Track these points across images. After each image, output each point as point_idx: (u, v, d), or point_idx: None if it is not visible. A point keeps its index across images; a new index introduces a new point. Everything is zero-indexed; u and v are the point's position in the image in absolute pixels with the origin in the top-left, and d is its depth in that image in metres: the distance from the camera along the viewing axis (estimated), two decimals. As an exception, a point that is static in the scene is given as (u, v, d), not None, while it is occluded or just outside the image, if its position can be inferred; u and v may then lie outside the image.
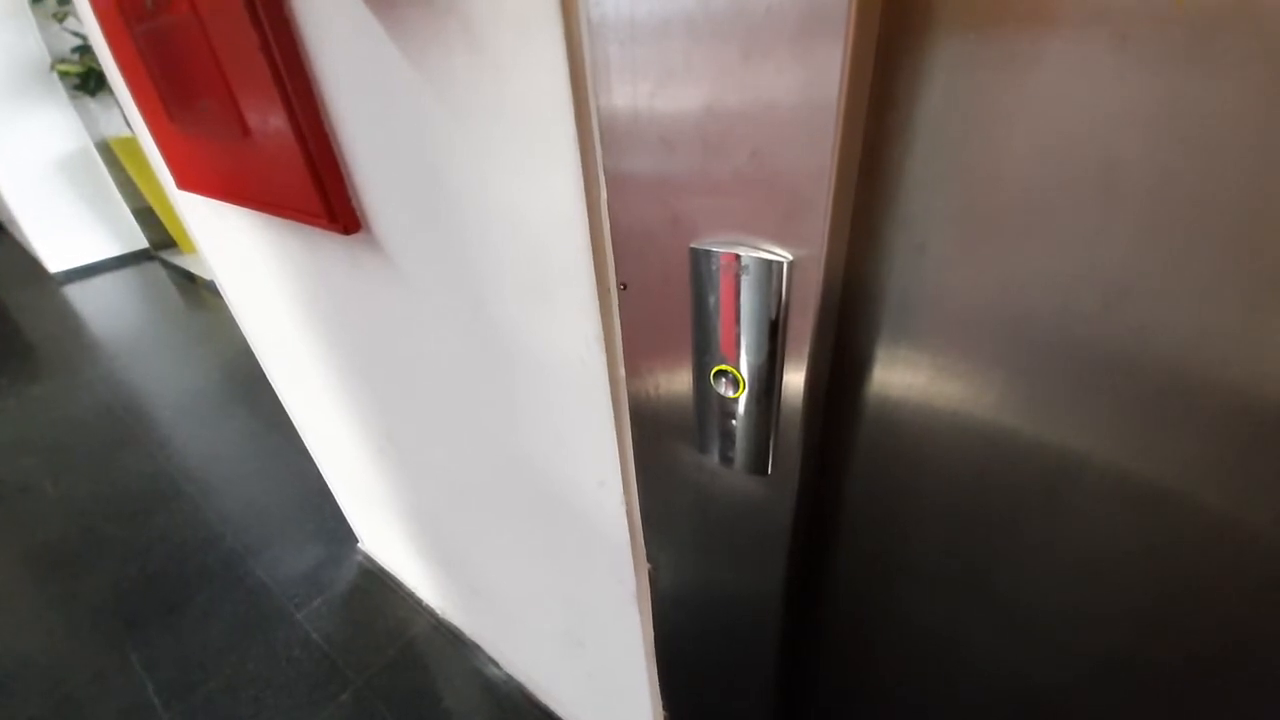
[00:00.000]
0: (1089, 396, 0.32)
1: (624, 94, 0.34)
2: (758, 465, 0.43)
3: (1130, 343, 0.30)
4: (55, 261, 4.15)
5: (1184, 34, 0.23)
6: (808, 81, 0.28)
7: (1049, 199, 0.28)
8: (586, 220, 0.42)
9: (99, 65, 3.56)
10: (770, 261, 0.34)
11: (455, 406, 0.75)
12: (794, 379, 0.38)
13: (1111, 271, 0.28)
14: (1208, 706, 0.37)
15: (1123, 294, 0.29)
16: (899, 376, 0.38)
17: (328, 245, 0.73)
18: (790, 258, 0.33)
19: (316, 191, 0.59)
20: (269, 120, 0.59)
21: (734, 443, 0.43)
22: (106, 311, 3.63)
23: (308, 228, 0.73)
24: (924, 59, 0.29)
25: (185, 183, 0.86)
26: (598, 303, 0.46)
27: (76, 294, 3.94)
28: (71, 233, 4.15)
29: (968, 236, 0.32)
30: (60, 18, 3.50)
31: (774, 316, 0.36)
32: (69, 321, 3.53)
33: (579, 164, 0.40)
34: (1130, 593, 0.37)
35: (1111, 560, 0.36)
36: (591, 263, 0.44)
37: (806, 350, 0.36)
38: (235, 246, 0.97)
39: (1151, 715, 0.40)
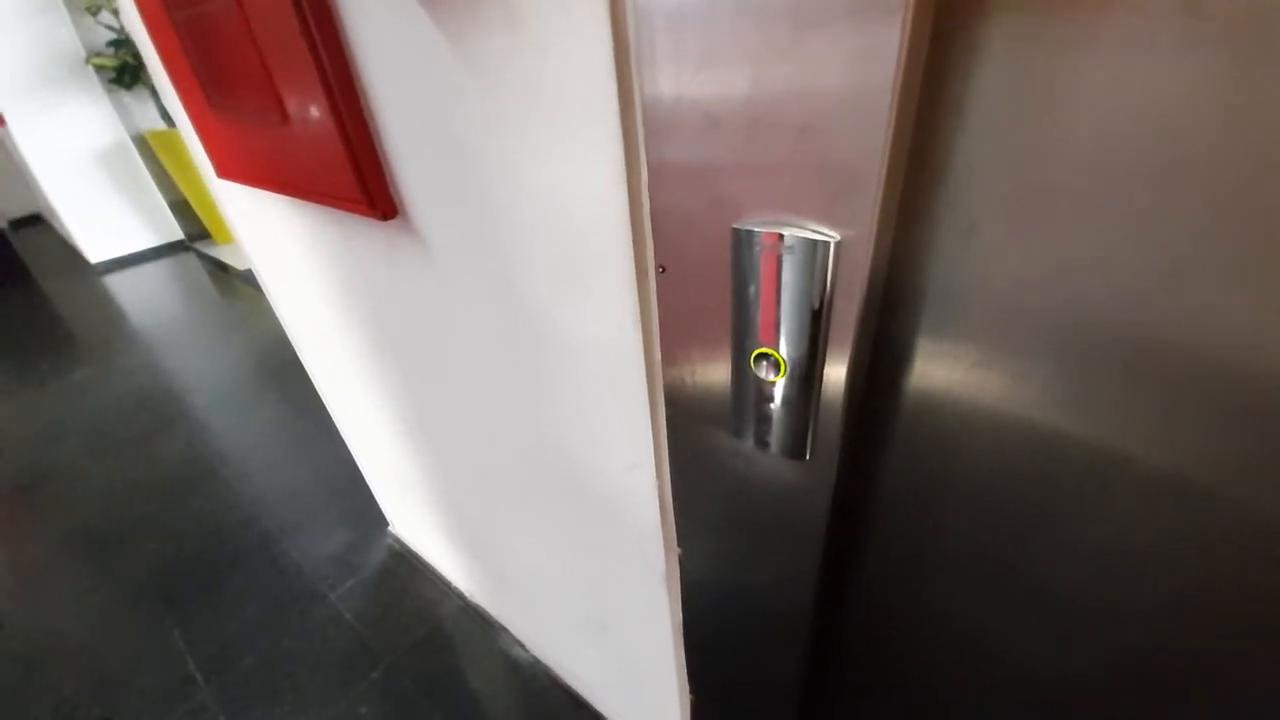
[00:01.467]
0: (1141, 388, 0.31)
1: (669, 71, 0.34)
2: (796, 450, 0.43)
3: (1187, 332, 0.29)
4: (95, 252, 4.29)
5: (1257, 7, 0.22)
6: (863, 57, 0.27)
7: (1108, 181, 0.28)
8: (626, 202, 0.42)
9: (134, 58, 3.65)
10: (816, 241, 0.33)
11: (487, 390, 0.76)
12: (836, 361, 0.38)
13: (1171, 257, 0.28)
14: (1249, 705, 0.36)
15: (1181, 279, 0.28)
16: (943, 359, 0.38)
17: (364, 231, 0.74)
18: (837, 238, 0.33)
19: (355, 178, 0.60)
20: (308, 106, 0.59)
21: (771, 427, 0.43)
22: (144, 300, 3.74)
23: (345, 214, 0.74)
24: (981, 34, 0.28)
25: (225, 171, 0.87)
26: (635, 286, 0.46)
27: (115, 283, 4.06)
28: (110, 224, 4.27)
29: (1021, 219, 0.31)
30: (93, 10, 3.58)
31: (818, 297, 0.35)
32: (108, 310, 3.65)
33: (621, 145, 0.40)
34: (1175, 593, 0.36)
35: (1157, 559, 0.35)
36: (630, 245, 0.44)
37: (851, 332, 0.36)
38: (273, 235, 0.99)
39: (1188, 714, 0.39)
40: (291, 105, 0.62)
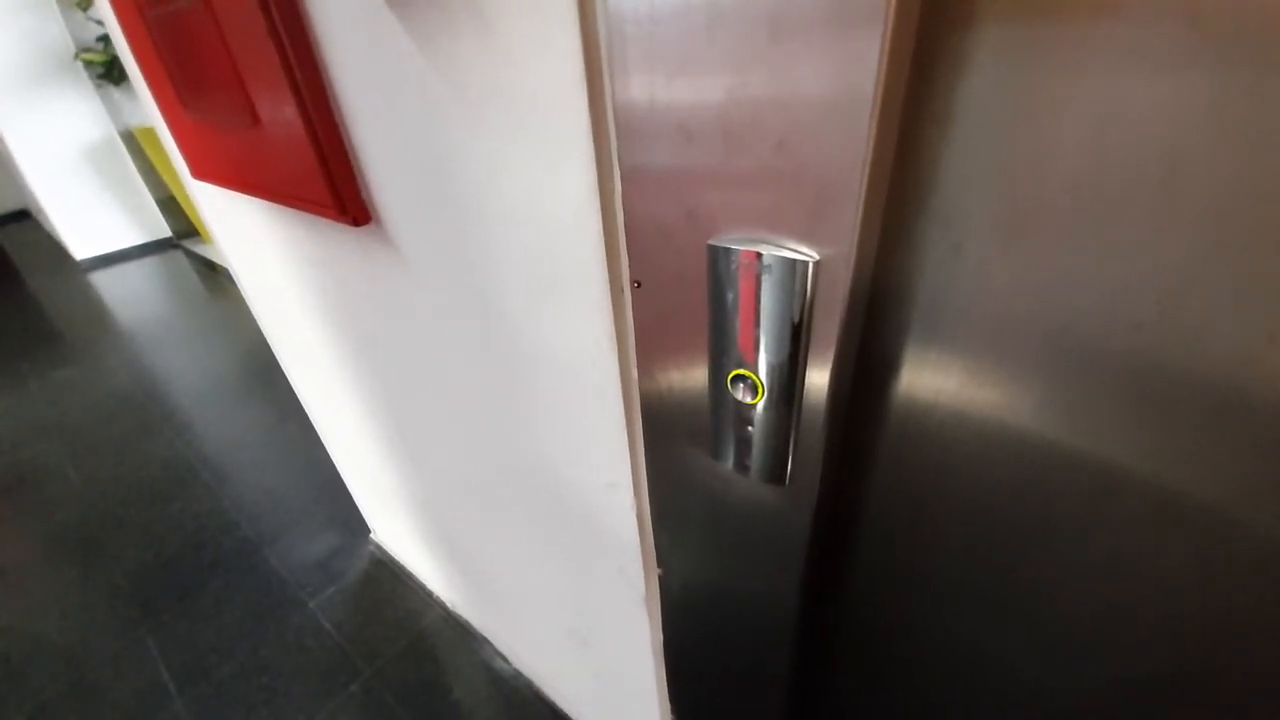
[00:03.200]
0: (1134, 408, 0.30)
1: (641, 80, 0.32)
2: (775, 475, 0.41)
3: (1184, 352, 0.27)
4: (81, 249, 4.23)
5: (1260, 19, 0.21)
6: (843, 67, 0.25)
7: (1101, 197, 0.26)
8: (600, 214, 0.40)
9: (123, 54, 3.60)
10: (794, 261, 0.32)
11: (463, 401, 0.74)
12: (816, 385, 0.36)
13: (1167, 276, 0.26)
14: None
15: (1178, 301, 0.26)
16: (927, 383, 0.36)
17: (338, 237, 0.72)
18: (816, 257, 0.31)
19: (326, 182, 0.58)
20: (279, 108, 0.57)
21: (750, 450, 0.42)
22: (130, 298, 3.69)
23: (318, 219, 0.72)
24: (967, 44, 0.26)
25: (199, 172, 0.85)
26: (610, 301, 0.44)
27: (101, 281, 4.00)
28: (97, 220, 4.22)
29: (1008, 236, 0.29)
30: (83, 6, 3.54)
31: (797, 319, 0.34)
32: (93, 308, 3.59)
33: (593, 155, 0.38)
34: (1169, 616, 0.34)
35: (1151, 582, 0.34)
36: (604, 259, 0.42)
37: (831, 355, 0.34)
38: (249, 237, 0.96)
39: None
40: (262, 107, 0.60)
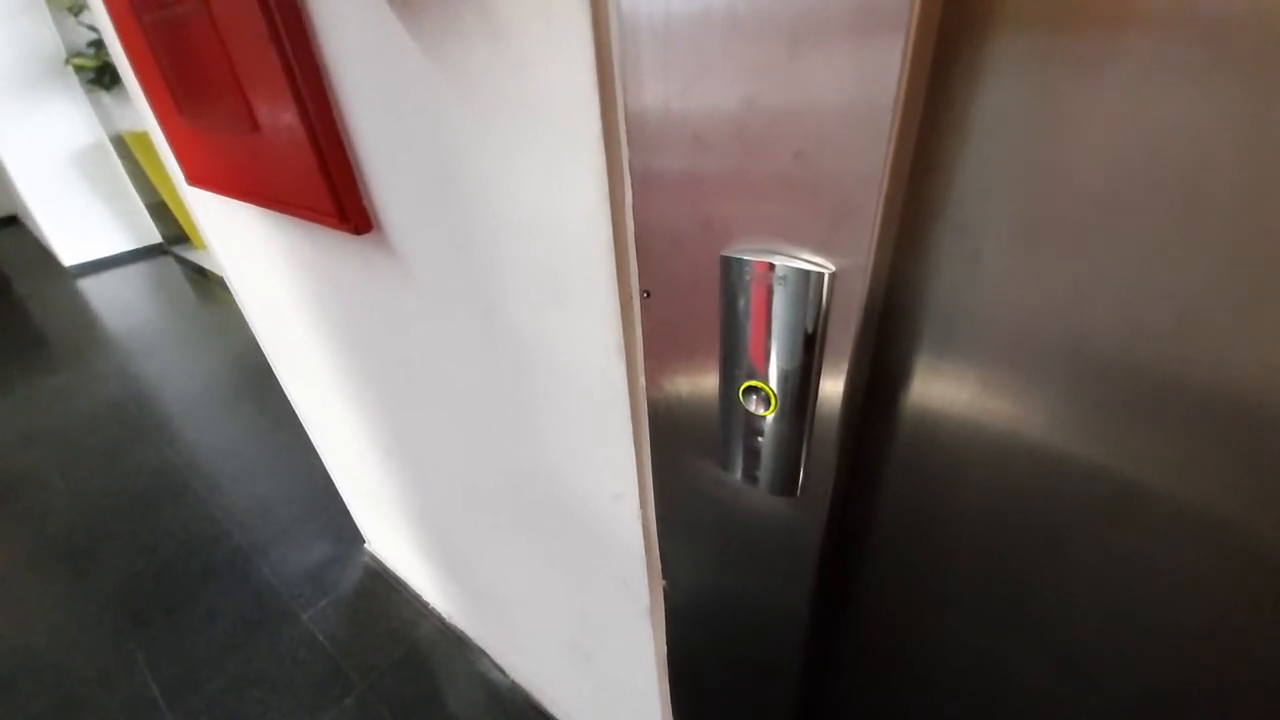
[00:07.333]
0: (1153, 421, 0.29)
1: (655, 87, 0.32)
2: (786, 486, 0.41)
3: (1202, 364, 0.27)
4: (69, 255, 4.18)
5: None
6: (864, 77, 0.25)
7: (1121, 209, 0.26)
8: (609, 223, 0.40)
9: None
10: (809, 272, 0.31)
11: (466, 411, 0.73)
12: (829, 396, 0.35)
13: (1188, 289, 0.26)
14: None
15: (1200, 313, 0.26)
16: (941, 393, 0.36)
17: (338, 245, 0.71)
18: (832, 268, 0.31)
19: (327, 190, 0.57)
20: (279, 115, 0.57)
21: (760, 462, 0.41)
22: (119, 305, 3.65)
23: (318, 227, 0.71)
24: (987, 53, 0.26)
25: (195, 179, 0.84)
26: (619, 310, 0.44)
27: (90, 287, 3.96)
28: (86, 226, 4.18)
29: (1027, 247, 0.29)
30: (75, 11, 3.52)
31: (811, 331, 0.33)
32: (82, 314, 3.55)
33: (603, 163, 0.37)
34: (1184, 628, 0.34)
35: (1166, 595, 0.34)
36: (613, 268, 0.42)
37: (844, 366, 0.34)
38: (245, 244, 0.95)
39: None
40: (262, 113, 0.59)
